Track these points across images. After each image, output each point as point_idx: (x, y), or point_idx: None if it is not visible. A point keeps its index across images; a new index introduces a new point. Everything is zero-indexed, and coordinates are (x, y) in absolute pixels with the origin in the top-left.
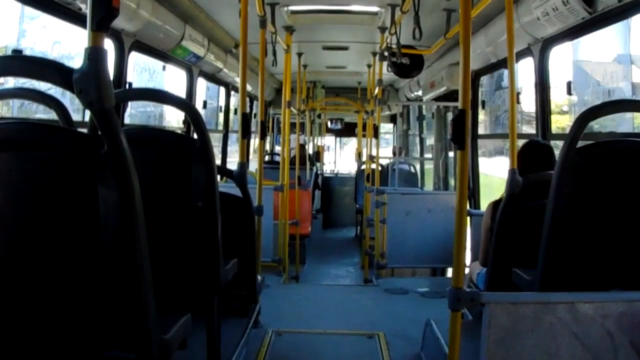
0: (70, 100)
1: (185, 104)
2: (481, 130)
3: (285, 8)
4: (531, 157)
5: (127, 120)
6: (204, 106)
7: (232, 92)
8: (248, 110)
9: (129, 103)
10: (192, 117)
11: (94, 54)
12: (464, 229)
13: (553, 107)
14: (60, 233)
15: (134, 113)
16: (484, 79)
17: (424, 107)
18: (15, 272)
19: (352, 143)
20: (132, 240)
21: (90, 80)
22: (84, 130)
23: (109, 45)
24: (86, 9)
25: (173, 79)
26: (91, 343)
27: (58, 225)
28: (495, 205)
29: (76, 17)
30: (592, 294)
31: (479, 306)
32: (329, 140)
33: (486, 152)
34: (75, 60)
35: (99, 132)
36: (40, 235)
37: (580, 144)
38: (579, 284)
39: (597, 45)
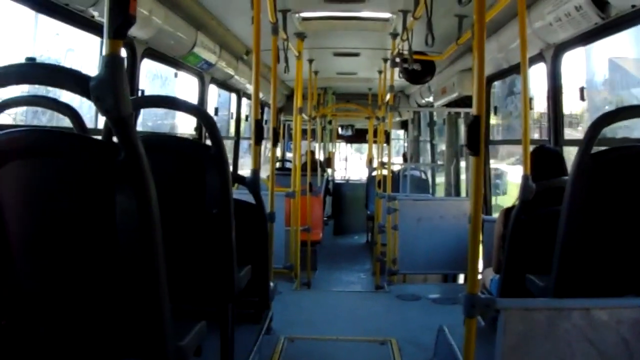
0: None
1: (199, 111)
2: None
3: (297, 15)
4: (541, 163)
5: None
6: (216, 113)
7: (244, 99)
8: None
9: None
10: (207, 124)
11: (111, 62)
12: (478, 235)
13: None
14: (77, 240)
15: (145, 120)
16: (497, 84)
17: (435, 113)
18: (33, 278)
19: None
20: (149, 247)
21: (107, 88)
22: (98, 138)
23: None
24: (99, 16)
25: (185, 86)
26: (107, 349)
27: (75, 233)
28: (507, 212)
29: (89, 25)
30: (607, 300)
31: (493, 312)
32: (344, 148)
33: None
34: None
35: (115, 139)
36: (57, 242)
37: (595, 150)
38: (593, 290)
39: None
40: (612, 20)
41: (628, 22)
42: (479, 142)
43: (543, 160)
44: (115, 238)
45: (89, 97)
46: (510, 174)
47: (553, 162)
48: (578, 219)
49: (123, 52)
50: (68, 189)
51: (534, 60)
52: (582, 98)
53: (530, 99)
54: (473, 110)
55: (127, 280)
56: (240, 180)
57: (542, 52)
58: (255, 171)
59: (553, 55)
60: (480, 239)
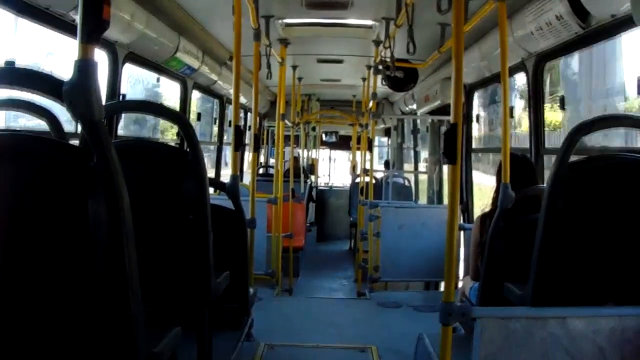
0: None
1: (177, 116)
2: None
3: (280, 21)
4: (512, 171)
5: (120, 131)
6: (198, 118)
7: (227, 105)
8: (242, 122)
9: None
10: (184, 130)
11: (84, 66)
12: (455, 242)
13: None
14: (48, 245)
15: (130, 122)
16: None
17: (418, 120)
18: (3, 284)
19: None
20: (121, 253)
21: (79, 92)
22: (77, 142)
23: (102, 57)
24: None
25: (168, 91)
26: (79, 356)
27: (47, 237)
28: (483, 218)
29: (69, 29)
30: (584, 309)
31: (470, 321)
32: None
33: None
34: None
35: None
36: (28, 247)
37: (573, 158)
38: (570, 299)
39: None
40: (592, 30)
41: (608, 32)
42: (455, 150)
43: (514, 169)
44: (87, 243)
45: (62, 101)
46: None
47: (522, 169)
48: (555, 227)
49: (104, 57)
50: (40, 193)
51: (515, 69)
52: (563, 107)
53: (511, 108)
54: (451, 118)
55: (98, 286)
56: (220, 186)
57: (524, 61)
58: (235, 177)
59: (534, 65)
60: (462, 245)
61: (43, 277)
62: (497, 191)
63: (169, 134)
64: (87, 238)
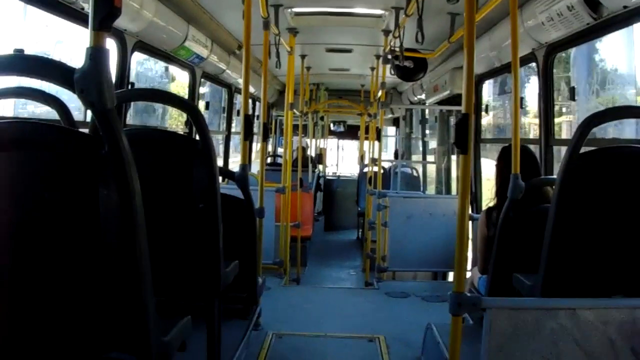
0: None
1: (188, 105)
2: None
3: (289, 10)
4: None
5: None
6: (207, 107)
7: (235, 94)
8: (250, 112)
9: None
10: (194, 118)
11: (96, 54)
12: (465, 233)
13: None
14: (60, 233)
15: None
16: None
17: (427, 110)
18: (15, 273)
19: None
20: (132, 242)
21: (91, 80)
22: (86, 131)
23: (111, 45)
24: (89, 8)
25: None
26: (90, 344)
27: (58, 226)
28: (489, 212)
29: (79, 17)
30: (594, 300)
31: (480, 311)
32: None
33: None
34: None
35: (100, 133)
36: (40, 235)
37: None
38: (580, 290)
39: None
40: (604, 21)
41: (620, 23)
42: (467, 140)
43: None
44: (99, 232)
45: (73, 89)
46: None
47: (526, 161)
48: (566, 218)
49: (113, 45)
50: (52, 182)
51: (525, 59)
52: (573, 98)
53: (522, 98)
54: (462, 108)
55: (110, 274)
56: (229, 175)
57: (534, 52)
58: (244, 166)
59: (545, 55)
60: (470, 237)
61: (54, 265)
62: (499, 183)
63: (175, 122)
64: (98, 226)
